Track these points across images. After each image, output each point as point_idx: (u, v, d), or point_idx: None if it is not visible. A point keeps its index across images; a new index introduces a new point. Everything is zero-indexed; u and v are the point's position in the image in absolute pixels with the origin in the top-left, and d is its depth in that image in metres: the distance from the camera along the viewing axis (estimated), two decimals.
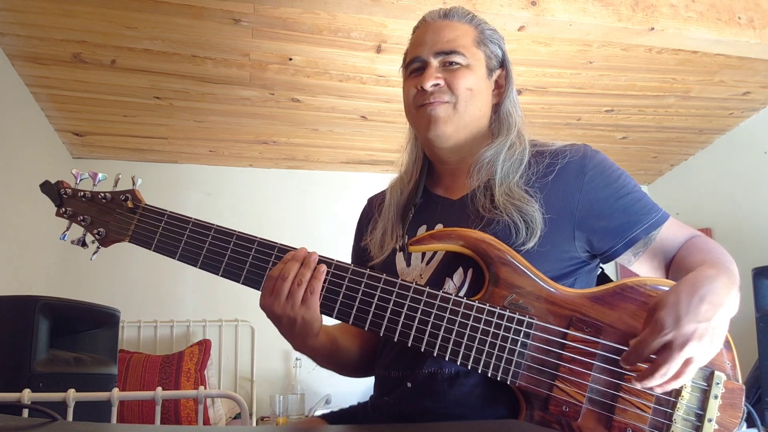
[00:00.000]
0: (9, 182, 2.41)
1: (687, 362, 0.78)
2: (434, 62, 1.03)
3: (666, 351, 0.77)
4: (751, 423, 0.96)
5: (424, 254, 1.02)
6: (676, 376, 0.79)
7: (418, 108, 1.04)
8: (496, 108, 1.09)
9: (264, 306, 0.92)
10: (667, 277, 1.00)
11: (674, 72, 2.71)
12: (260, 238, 0.96)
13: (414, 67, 1.06)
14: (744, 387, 0.88)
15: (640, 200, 1.00)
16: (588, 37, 2.19)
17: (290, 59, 2.47)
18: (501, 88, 1.09)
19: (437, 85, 1.01)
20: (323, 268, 0.92)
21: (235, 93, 2.71)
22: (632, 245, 0.99)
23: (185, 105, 2.81)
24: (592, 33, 2.15)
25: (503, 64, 1.09)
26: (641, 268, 1.03)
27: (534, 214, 0.94)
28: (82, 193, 1.04)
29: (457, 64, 1.02)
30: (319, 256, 0.94)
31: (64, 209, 1.04)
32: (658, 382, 0.79)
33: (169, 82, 2.59)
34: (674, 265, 0.98)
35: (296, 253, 0.93)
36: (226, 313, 3.31)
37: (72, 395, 1.38)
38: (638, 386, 0.83)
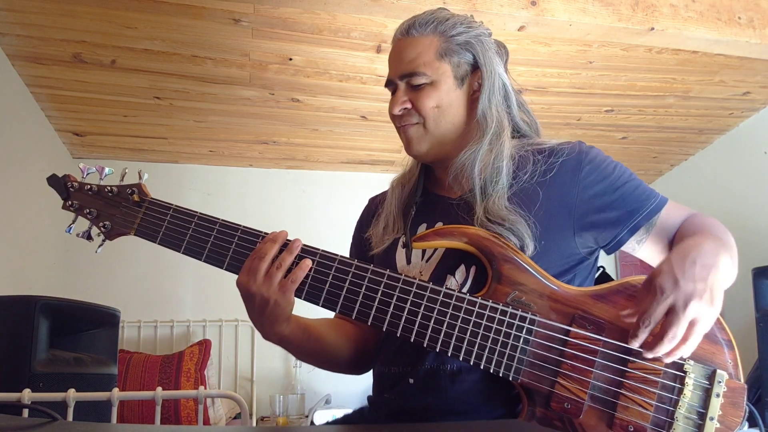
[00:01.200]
0: (9, 182, 2.41)
1: (692, 324, 0.79)
2: (401, 85, 1.05)
3: (671, 314, 0.79)
4: (753, 422, 0.96)
5: (424, 252, 1.03)
6: (685, 338, 0.79)
7: (397, 129, 1.08)
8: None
9: (240, 283, 0.92)
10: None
11: (674, 72, 2.72)
12: (265, 233, 0.96)
13: (389, 89, 1.09)
14: (746, 386, 0.88)
15: (638, 188, 1.01)
16: (588, 37, 2.19)
17: (290, 59, 2.47)
18: (480, 91, 1.08)
19: (405, 108, 1.04)
20: (308, 262, 0.92)
21: (235, 93, 2.71)
22: (635, 232, 0.99)
23: (185, 105, 2.81)
24: (592, 33, 2.15)
25: (478, 65, 1.06)
26: (646, 253, 1.03)
27: (520, 229, 0.94)
28: (89, 187, 1.05)
29: (421, 84, 1.03)
30: (322, 250, 0.94)
31: (70, 202, 1.05)
32: (669, 347, 0.79)
33: (169, 82, 2.59)
34: (675, 241, 0.99)
35: (276, 234, 0.93)
36: (226, 313, 3.31)
37: (72, 395, 1.38)
38: (650, 355, 0.82)
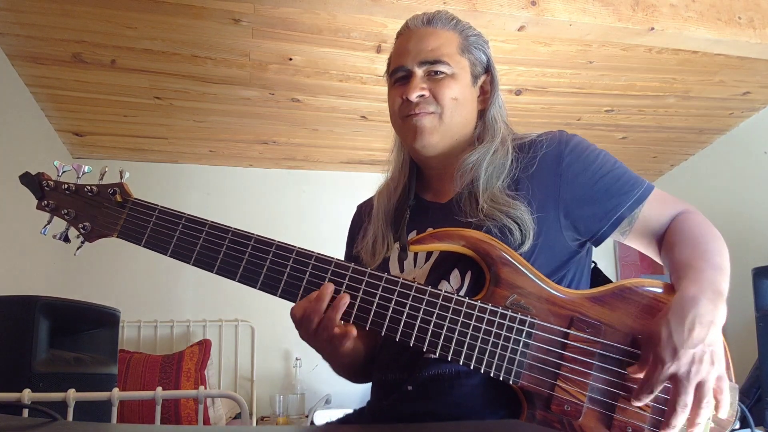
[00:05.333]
0: (8, 182, 2.40)
1: (700, 385, 0.81)
2: (419, 72, 1.02)
3: (676, 383, 0.81)
4: (745, 424, 0.97)
5: (416, 259, 1.02)
6: (698, 402, 0.81)
7: (404, 118, 1.04)
8: (482, 113, 1.08)
9: (297, 329, 0.92)
10: (659, 253, 1.01)
11: (674, 72, 2.71)
12: (257, 235, 0.94)
13: (398, 76, 1.05)
14: (738, 385, 0.89)
15: (621, 177, 0.99)
16: (588, 37, 2.19)
17: (290, 59, 2.47)
18: (486, 94, 1.08)
19: (422, 96, 1.01)
20: (353, 330, 0.89)
21: (235, 93, 2.71)
22: (618, 225, 0.99)
23: (185, 105, 2.81)
24: (592, 33, 2.15)
25: (488, 69, 1.08)
26: (631, 244, 1.03)
27: (523, 216, 0.94)
28: (66, 186, 0.99)
29: (442, 73, 1.01)
30: (317, 254, 0.93)
31: (45, 202, 0.99)
32: (684, 415, 0.81)
33: (169, 82, 2.59)
34: (664, 249, 0.99)
35: (322, 291, 0.89)
36: (226, 313, 3.31)
37: (72, 395, 1.38)
38: (670, 430, 0.83)
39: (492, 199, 0.97)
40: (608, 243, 1.11)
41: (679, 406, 0.80)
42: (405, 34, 1.07)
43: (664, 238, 0.99)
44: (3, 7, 2.03)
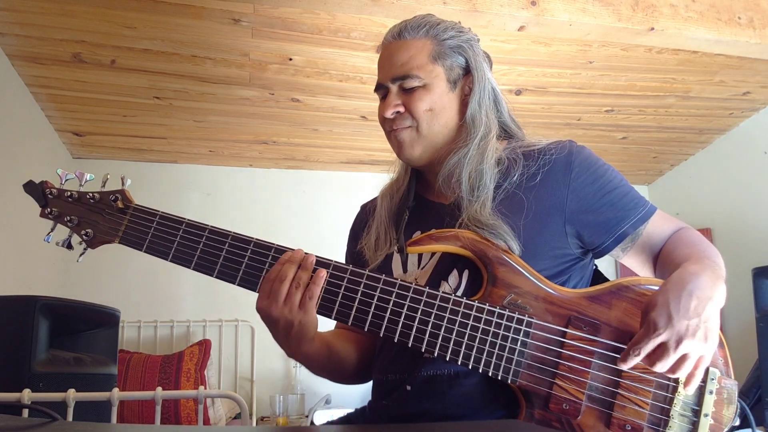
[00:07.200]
0: (9, 182, 2.41)
1: (683, 358, 0.80)
2: (393, 88, 1.03)
3: (662, 349, 0.80)
4: (745, 423, 0.97)
5: (420, 259, 1.02)
6: (673, 370, 0.81)
7: (388, 133, 1.06)
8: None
9: (260, 308, 0.90)
10: (654, 271, 1.01)
11: (674, 72, 2.72)
12: (256, 239, 0.95)
13: (380, 94, 1.07)
14: (737, 382, 0.89)
15: (627, 194, 1.00)
16: (588, 37, 2.19)
17: (290, 59, 2.47)
18: (471, 94, 1.07)
19: (397, 112, 1.02)
20: (322, 273, 0.90)
21: (234, 93, 2.72)
22: (621, 241, 0.99)
23: (185, 105, 2.81)
24: (592, 33, 2.15)
25: (469, 69, 1.06)
26: (629, 262, 1.04)
27: (501, 232, 0.93)
28: (69, 193, 1.01)
29: (414, 86, 1.02)
30: (317, 257, 0.93)
31: (49, 210, 1.00)
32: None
33: (169, 82, 2.59)
34: (661, 259, 0.99)
35: (293, 254, 0.91)
36: (226, 313, 3.31)
37: (72, 395, 1.38)
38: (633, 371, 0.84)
39: (475, 218, 0.96)
40: None
41: (654, 368, 0.80)
42: (382, 49, 1.08)
43: (662, 249, 1.00)
44: (3, 7, 2.03)
